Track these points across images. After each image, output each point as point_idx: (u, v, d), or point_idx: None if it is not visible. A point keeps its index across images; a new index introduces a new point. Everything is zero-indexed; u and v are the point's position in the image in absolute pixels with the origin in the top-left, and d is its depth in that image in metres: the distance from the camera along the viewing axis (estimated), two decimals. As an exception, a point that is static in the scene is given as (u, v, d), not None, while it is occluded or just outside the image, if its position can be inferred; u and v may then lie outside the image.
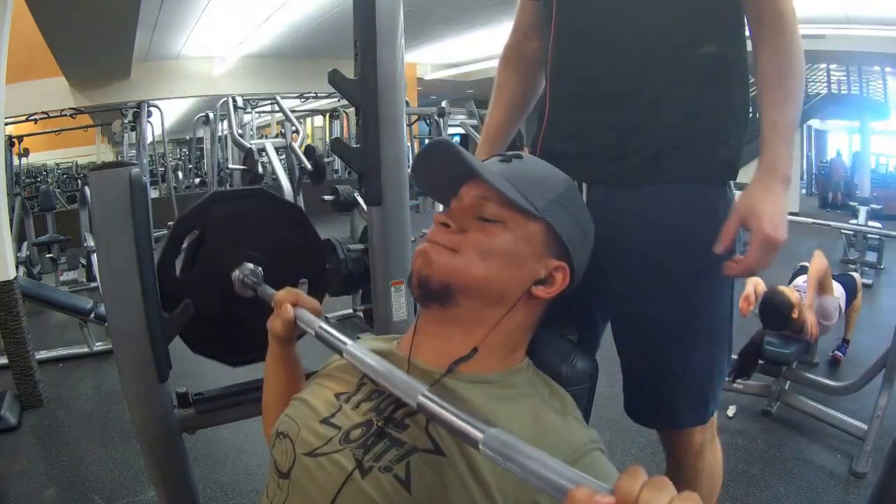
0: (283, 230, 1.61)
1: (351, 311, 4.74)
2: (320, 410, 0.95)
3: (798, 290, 3.37)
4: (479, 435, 0.65)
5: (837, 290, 3.54)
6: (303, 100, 10.88)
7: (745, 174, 1.23)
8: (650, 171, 1.25)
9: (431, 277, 0.94)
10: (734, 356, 3.00)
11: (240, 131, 7.26)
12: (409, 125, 9.54)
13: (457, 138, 12.43)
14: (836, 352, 3.90)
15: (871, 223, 6.33)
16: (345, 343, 0.96)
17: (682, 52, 1.22)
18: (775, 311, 3.13)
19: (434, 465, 0.81)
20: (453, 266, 0.94)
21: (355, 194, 4.01)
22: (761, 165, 1.17)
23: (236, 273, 1.49)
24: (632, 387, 1.42)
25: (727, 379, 2.79)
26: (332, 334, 1.02)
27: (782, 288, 3.24)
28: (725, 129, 1.26)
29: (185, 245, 1.52)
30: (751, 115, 1.31)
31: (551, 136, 1.42)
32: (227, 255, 1.51)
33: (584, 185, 1.31)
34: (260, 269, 1.52)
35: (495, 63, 1.65)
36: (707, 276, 1.26)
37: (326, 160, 8.84)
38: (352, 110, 1.58)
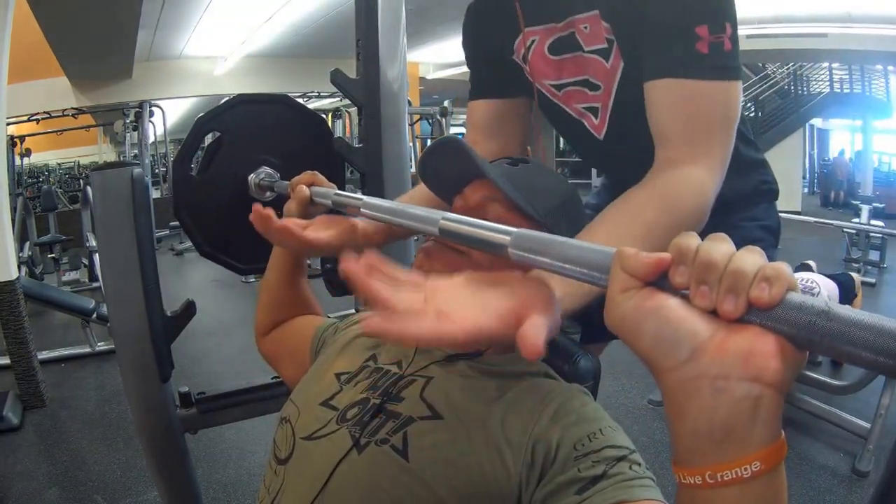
0: (304, 138, 1.60)
1: (353, 311, 4.76)
2: (321, 393, 0.95)
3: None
4: (505, 238, 0.63)
5: (832, 287, 3.54)
6: (305, 99, 10.87)
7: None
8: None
9: (434, 271, 0.93)
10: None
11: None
12: (412, 125, 9.53)
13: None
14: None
15: (873, 222, 6.33)
16: (361, 199, 0.98)
17: None
18: None
19: (431, 429, 0.81)
20: (456, 265, 0.92)
21: (358, 194, 4.01)
22: None
23: (252, 176, 1.48)
24: None
25: None
26: (348, 196, 1.04)
27: None
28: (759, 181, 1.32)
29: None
30: (753, 113, 1.33)
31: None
32: (246, 157, 1.49)
33: None
34: (277, 174, 1.51)
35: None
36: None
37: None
38: (354, 110, 1.58)
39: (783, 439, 0.45)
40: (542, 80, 1.26)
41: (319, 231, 1.10)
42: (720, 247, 0.45)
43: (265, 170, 1.49)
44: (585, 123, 1.26)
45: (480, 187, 0.98)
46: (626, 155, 1.13)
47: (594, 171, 1.47)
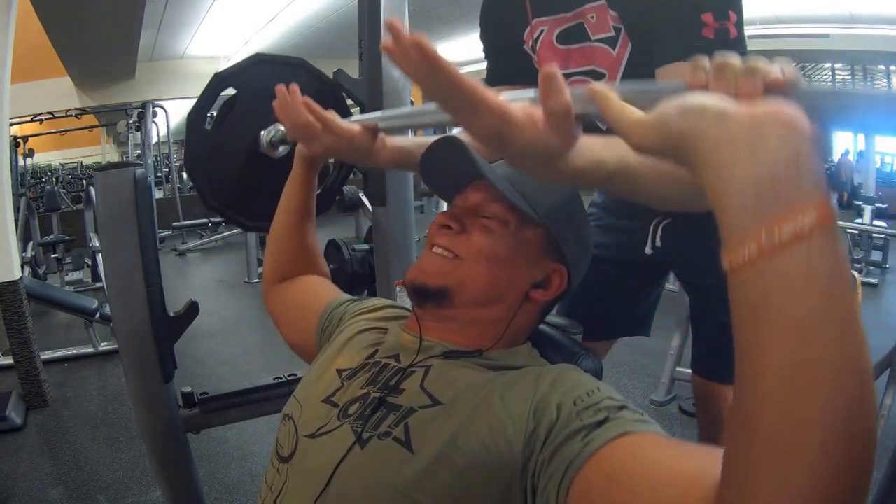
0: (319, 104, 1.61)
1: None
2: (323, 390, 0.95)
3: None
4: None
5: None
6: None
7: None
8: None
9: (428, 282, 0.95)
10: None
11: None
12: (413, 125, 9.52)
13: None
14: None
15: (876, 222, 6.32)
16: (377, 114, 1.04)
17: None
18: None
19: (432, 417, 0.81)
20: (452, 271, 0.94)
21: (360, 194, 4.01)
22: None
23: (264, 133, 1.46)
24: (700, 347, 1.64)
25: None
26: (364, 117, 1.09)
27: None
28: None
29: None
30: None
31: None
32: (259, 116, 1.47)
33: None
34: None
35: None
36: None
37: (331, 160, 8.83)
38: (356, 110, 1.58)
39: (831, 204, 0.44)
40: None
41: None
42: (732, 56, 0.50)
43: (277, 127, 1.46)
44: None
45: (481, 187, 0.99)
46: None
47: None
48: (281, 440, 0.94)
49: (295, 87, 1.09)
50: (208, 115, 1.50)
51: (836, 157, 15.55)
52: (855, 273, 3.99)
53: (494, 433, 0.77)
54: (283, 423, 0.97)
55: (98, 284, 6.28)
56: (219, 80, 1.49)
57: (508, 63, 1.38)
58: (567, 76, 1.27)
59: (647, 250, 1.49)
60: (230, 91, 1.50)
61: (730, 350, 0.48)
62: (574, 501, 0.67)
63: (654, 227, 1.47)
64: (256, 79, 1.49)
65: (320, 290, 1.27)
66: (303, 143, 1.16)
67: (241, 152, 1.49)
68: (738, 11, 1.02)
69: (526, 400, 0.79)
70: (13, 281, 3.42)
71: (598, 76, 1.22)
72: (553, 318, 1.12)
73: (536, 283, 0.97)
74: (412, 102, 1.88)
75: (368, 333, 1.04)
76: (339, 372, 0.97)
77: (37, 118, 8.78)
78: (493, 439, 0.76)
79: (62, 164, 15.23)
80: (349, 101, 1.63)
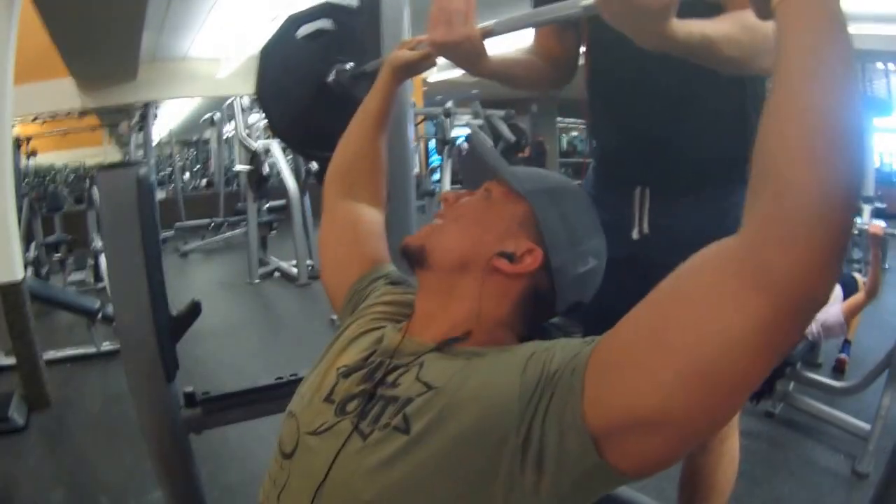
0: None
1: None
2: (324, 388, 0.97)
3: None
4: None
5: (835, 289, 3.54)
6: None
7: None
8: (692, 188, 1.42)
9: (411, 242, 1.02)
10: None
11: (246, 132, 7.27)
12: (416, 125, 9.54)
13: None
14: (842, 354, 3.88)
15: (875, 222, 6.31)
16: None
17: (713, 92, 1.33)
18: None
19: (427, 402, 0.82)
20: (431, 232, 1.02)
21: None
22: None
23: (339, 65, 1.59)
24: None
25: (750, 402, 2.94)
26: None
27: None
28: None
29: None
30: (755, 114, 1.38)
31: (605, 165, 1.63)
32: (342, 54, 1.62)
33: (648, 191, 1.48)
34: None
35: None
36: None
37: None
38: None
39: None
40: None
41: None
42: None
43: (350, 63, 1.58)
44: None
45: (498, 183, 1.06)
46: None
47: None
48: (284, 436, 0.96)
49: None
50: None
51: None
52: (857, 275, 4.01)
53: (487, 388, 0.80)
54: (287, 419, 0.98)
55: (100, 285, 6.30)
56: (329, 7, 1.63)
57: None
58: None
59: (634, 235, 1.49)
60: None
61: None
62: (590, 390, 0.74)
63: (639, 204, 1.49)
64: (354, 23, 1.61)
65: (374, 242, 1.30)
66: (445, 27, 1.22)
67: (311, 79, 1.62)
68: None
69: (518, 366, 0.81)
70: (16, 281, 3.43)
71: None
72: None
73: (504, 253, 0.97)
74: (414, 104, 1.89)
75: (374, 332, 1.06)
76: (339, 370, 0.99)
77: (39, 119, 8.79)
78: (488, 394, 0.79)
79: (65, 165, 15.23)
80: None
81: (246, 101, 7.60)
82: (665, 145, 1.39)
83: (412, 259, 1.02)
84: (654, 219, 1.48)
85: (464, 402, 0.80)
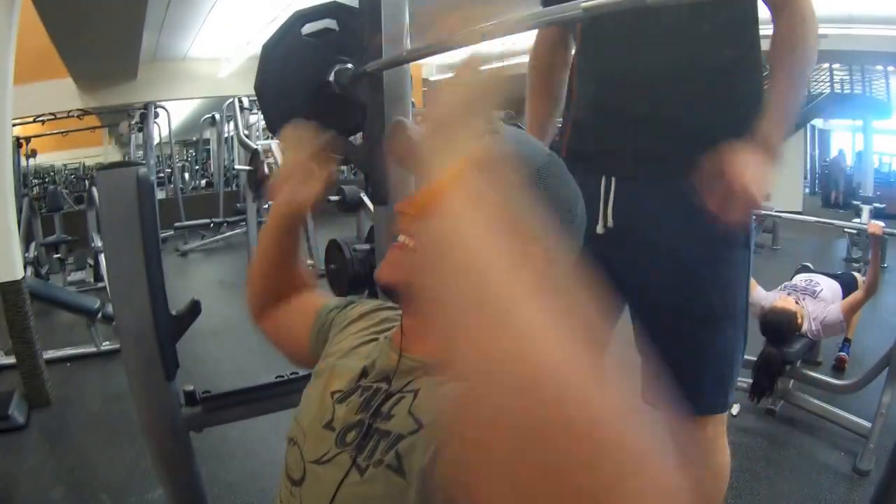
0: None
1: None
2: (322, 415, 0.97)
3: (795, 290, 3.39)
4: None
5: (836, 288, 3.55)
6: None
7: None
8: (673, 169, 1.36)
9: (382, 278, 0.98)
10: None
11: (246, 132, 7.28)
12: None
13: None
14: (842, 353, 3.89)
15: (874, 222, 6.30)
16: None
17: (701, 74, 1.36)
18: (780, 330, 3.14)
19: (415, 441, 0.82)
20: (398, 258, 0.97)
21: (361, 194, 4.02)
22: (756, 135, 1.27)
23: (339, 67, 1.55)
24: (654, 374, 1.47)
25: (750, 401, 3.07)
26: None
27: (779, 304, 3.23)
28: (738, 127, 1.31)
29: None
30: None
31: (577, 138, 1.61)
32: (345, 54, 1.58)
33: (613, 180, 1.46)
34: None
35: (498, 64, 1.67)
36: (724, 265, 1.40)
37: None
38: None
39: None
40: None
41: None
42: None
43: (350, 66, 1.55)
44: None
45: None
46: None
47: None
48: (290, 463, 0.97)
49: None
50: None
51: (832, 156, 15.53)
52: (856, 274, 4.01)
53: None
54: (290, 447, 0.99)
55: (100, 284, 6.30)
56: (336, 7, 1.60)
57: None
58: None
59: (599, 230, 1.47)
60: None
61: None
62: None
63: (604, 193, 1.47)
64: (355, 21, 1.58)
65: (315, 301, 1.30)
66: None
67: (310, 68, 1.58)
68: None
69: None
70: (16, 280, 3.44)
71: None
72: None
73: None
74: (413, 104, 1.89)
75: (360, 349, 1.06)
76: (333, 395, 0.99)
77: (39, 119, 8.79)
78: None
79: (65, 165, 15.23)
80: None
81: (246, 101, 7.60)
82: (645, 120, 1.41)
83: (388, 294, 0.99)
84: (621, 205, 1.47)
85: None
